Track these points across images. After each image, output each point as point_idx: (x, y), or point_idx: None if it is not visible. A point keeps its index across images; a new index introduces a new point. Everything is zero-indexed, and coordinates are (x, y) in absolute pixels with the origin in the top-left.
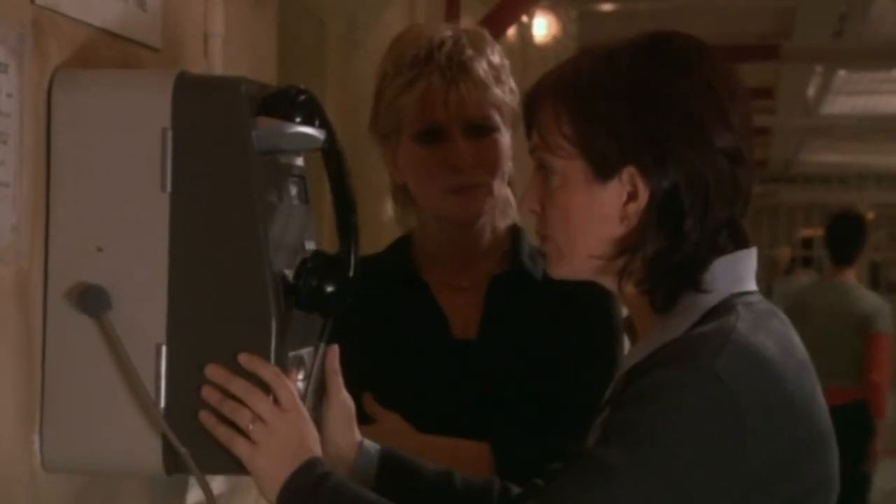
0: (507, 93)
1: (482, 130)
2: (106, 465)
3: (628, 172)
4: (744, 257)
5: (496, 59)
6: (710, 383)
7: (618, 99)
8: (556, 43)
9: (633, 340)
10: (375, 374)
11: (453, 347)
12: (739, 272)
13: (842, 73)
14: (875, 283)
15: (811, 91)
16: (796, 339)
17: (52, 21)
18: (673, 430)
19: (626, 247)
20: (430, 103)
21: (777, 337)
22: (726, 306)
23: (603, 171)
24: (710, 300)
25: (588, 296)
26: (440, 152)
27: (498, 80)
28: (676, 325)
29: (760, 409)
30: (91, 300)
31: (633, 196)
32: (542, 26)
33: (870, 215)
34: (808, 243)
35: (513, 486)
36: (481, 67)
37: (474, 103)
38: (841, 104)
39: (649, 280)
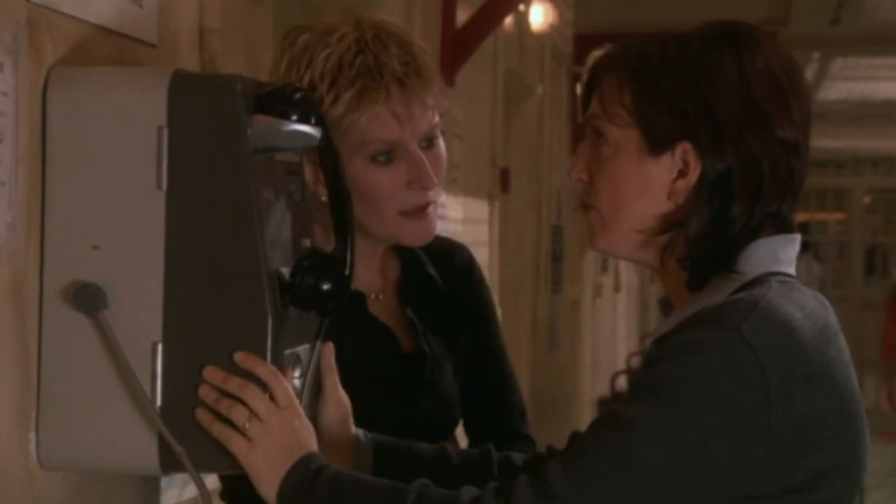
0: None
1: (432, 141)
2: (102, 463)
3: (682, 148)
4: (786, 242)
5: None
6: (736, 345)
7: (683, 77)
8: (553, 31)
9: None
10: None
11: (405, 362)
12: (779, 255)
13: (838, 59)
14: (871, 267)
15: (808, 77)
16: (834, 321)
17: (48, 19)
18: (695, 387)
19: (669, 223)
20: (390, 121)
21: (809, 312)
22: (760, 280)
23: (657, 143)
24: (745, 276)
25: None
26: (397, 171)
27: (444, 82)
28: (709, 299)
29: (785, 375)
30: (87, 299)
31: (683, 173)
32: (539, 14)
33: (866, 200)
34: (804, 228)
35: (515, 456)
36: (434, 73)
37: (433, 115)
38: (838, 90)
39: (689, 259)
